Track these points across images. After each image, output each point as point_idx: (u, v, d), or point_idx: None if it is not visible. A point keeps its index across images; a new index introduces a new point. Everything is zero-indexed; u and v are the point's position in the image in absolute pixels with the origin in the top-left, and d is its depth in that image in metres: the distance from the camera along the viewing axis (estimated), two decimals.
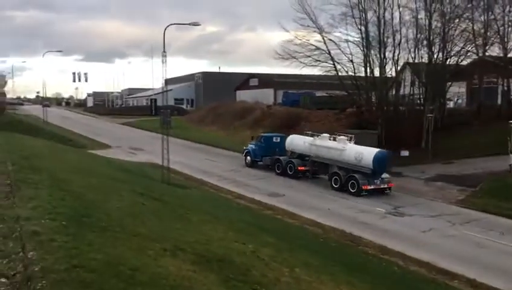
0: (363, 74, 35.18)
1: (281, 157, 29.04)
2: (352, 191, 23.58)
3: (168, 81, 30.80)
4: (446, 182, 26.00)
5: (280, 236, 13.32)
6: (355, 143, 25.10)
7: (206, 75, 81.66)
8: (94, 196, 10.23)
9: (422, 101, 36.11)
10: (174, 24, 25.89)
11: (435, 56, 34.95)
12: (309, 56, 35.44)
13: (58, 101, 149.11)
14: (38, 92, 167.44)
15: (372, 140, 30.74)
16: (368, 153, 23.79)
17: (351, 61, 34.97)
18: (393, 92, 37.03)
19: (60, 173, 12.96)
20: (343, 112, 39.06)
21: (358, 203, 21.83)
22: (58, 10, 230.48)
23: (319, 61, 35.48)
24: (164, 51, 23.97)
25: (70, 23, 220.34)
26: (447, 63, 35.54)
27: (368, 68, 34.80)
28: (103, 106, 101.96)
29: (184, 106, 78.89)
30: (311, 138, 27.24)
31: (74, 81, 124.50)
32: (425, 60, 35.24)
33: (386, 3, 34.22)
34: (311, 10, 35.07)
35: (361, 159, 23.82)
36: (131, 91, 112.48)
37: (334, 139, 25.98)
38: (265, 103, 49.93)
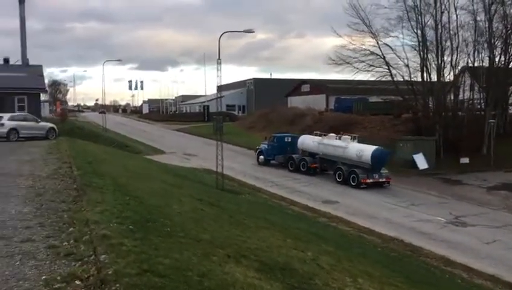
0: (419, 79, 34.15)
1: (294, 156, 31.16)
2: (353, 184, 26.12)
3: (220, 88, 31.21)
4: (510, 191, 24.69)
5: (337, 244, 13.04)
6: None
7: (257, 82, 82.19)
8: (156, 201, 10.40)
9: (482, 107, 34.56)
10: (229, 32, 26.09)
11: (497, 60, 33.42)
12: (363, 61, 34.87)
13: (115, 108, 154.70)
14: (97, 100, 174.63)
15: (429, 147, 29.87)
16: (367, 150, 26.22)
17: (407, 65, 34.08)
18: (452, 97, 35.68)
19: (121, 178, 13.30)
20: (398, 117, 38.04)
21: (416, 212, 21.11)
22: (115, 21, 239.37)
23: (373, 66, 34.85)
24: (219, 58, 24.33)
25: (126, 34, 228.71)
26: (510, 66, 33.89)
27: (425, 73, 33.78)
28: (158, 112, 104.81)
29: (235, 112, 79.68)
30: (320, 138, 29.90)
31: (130, 89, 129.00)
32: (485, 63, 33.76)
33: (443, 6, 33.13)
34: (365, 15, 34.51)
35: (361, 156, 26.26)
36: (184, 98, 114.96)
37: (340, 139, 28.58)
38: (317, 109, 49.48)
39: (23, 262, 5.44)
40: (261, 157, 33.39)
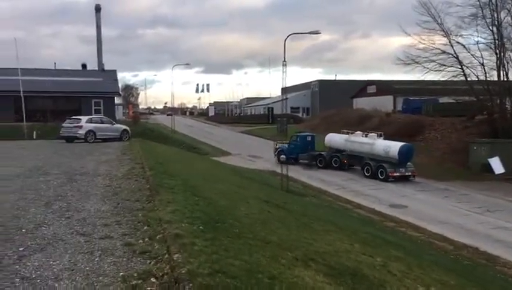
0: (495, 78, 32.22)
1: (323, 153, 32.91)
2: (381, 177, 28.21)
3: (284, 90, 31.24)
4: None
5: (407, 250, 12.56)
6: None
7: (322, 84, 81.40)
8: (224, 202, 10.54)
9: None
10: (295, 34, 26.05)
11: None
12: (433, 61, 33.47)
13: (182, 111, 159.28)
14: (165, 103, 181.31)
15: (506, 150, 28.16)
16: (395, 146, 28.30)
17: (482, 64, 32.26)
18: None
19: (191, 179, 13.63)
20: (472, 119, 36.12)
21: (492, 219, 19.91)
22: (183, 27, 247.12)
23: (445, 65, 33.35)
24: (284, 60, 24.41)
25: (193, 39, 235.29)
26: None
27: (502, 72, 31.80)
28: (223, 114, 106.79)
29: (300, 114, 79.34)
30: (347, 135, 31.89)
31: (197, 91, 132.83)
32: None
33: None
34: (436, 12, 33.11)
35: (388, 151, 28.25)
36: (248, 100, 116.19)
37: (366, 136, 30.53)
38: (383, 111, 48.19)
39: (102, 258, 5.69)
40: (282, 156, 33.01)
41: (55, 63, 58.02)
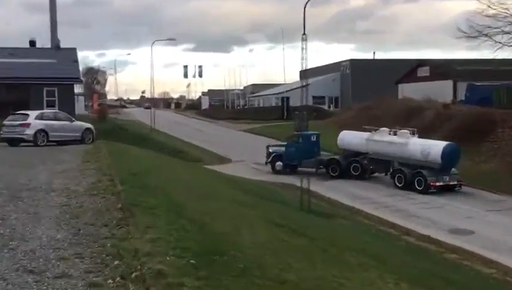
0: None
1: (336, 157, 34.09)
2: (419, 188, 29.10)
3: (304, 74, 31.27)
4: None
5: None
6: None
7: (355, 64, 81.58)
8: (221, 227, 10.54)
9: None
10: None
11: None
12: (508, 32, 33.35)
13: (166, 103, 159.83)
14: (143, 92, 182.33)
15: None
16: (436, 147, 29.39)
17: None
18: None
19: (176, 194, 13.63)
20: None
21: None
22: None
23: None
24: (304, 33, 24.44)
25: (179, 5, 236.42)
26: None
27: None
28: (221, 107, 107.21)
29: (325, 106, 79.51)
30: (368, 133, 33.21)
31: (186, 76, 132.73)
32: None
33: None
34: None
35: (428, 154, 29.31)
36: (255, 88, 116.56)
37: (395, 134, 31.89)
38: (440, 101, 48.11)
39: None
40: (279, 163, 35.14)
41: None
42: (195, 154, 42.02)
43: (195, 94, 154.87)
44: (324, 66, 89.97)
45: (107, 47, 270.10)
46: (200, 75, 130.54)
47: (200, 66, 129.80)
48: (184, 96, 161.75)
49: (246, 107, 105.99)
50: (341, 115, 61.71)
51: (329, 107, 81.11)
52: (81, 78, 54.34)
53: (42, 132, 27.80)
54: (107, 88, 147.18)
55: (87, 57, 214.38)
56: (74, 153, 22.86)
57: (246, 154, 42.74)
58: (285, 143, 36.95)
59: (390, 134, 32.34)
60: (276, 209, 19.25)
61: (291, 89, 78.30)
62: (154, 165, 22.03)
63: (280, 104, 77.70)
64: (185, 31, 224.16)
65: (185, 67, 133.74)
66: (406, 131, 31.79)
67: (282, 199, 24.76)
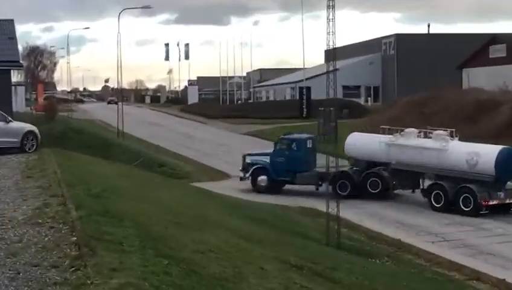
0: None
1: (347, 170, 34.31)
2: (466, 209, 29.55)
3: (332, 54, 31.17)
4: None
5: None
6: None
7: (402, 41, 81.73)
8: (217, 268, 10.53)
9: None
10: None
11: None
12: None
13: (138, 95, 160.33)
14: (107, 81, 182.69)
15: None
16: (488, 153, 30.06)
17: None
18: None
19: (154, 223, 13.64)
20: None
21: None
22: None
23: None
24: None
25: None
26: None
27: None
28: (215, 101, 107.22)
29: (361, 100, 79.45)
30: (390, 136, 33.84)
31: (167, 59, 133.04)
32: None
33: None
34: None
35: (476, 163, 29.91)
36: (263, 74, 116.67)
37: (427, 136, 32.83)
38: None
39: None
40: (262, 178, 35.39)
41: None
42: (182, 168, 41.92)
43: (179, 83, 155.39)
44: (359, 43, 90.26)
45: (56, 18, 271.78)
46: (186, 57, 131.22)
47: (186, 45, 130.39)
48: (164, 87, 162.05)
49: (250, 101, 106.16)
50: (382, 112, 61.63)
51: (366, 101, 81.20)
52: (21, 62, 54.55)
53: None
54: (56, 76, 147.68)
55: (29, 33, 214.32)
56: (11, 166, 22.89)
57: None
58: (271, 151, 37.04)
59: (419, 137, 33.13)
60: (294, 244, 19.22)
61: (313, 76, 78.34)
62: (123, 183, 22.08)
63: (298, 96, 77.68)
64: None
65: (166, 46, 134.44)
66: (443, 132, 32.39)
67: (302, 229, 24.67)
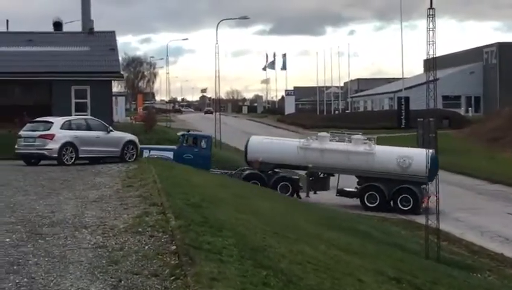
0: None
1: (255, 172, 35.16)
2: (405, 209, 32.88)
3: (432, 64, 30.87)
4: None
5: None
6: None
7: (505, 51, 79.76)
8: (316, 280, 10.51)
9: None
10: None
11: None
12: None
13: (235, 105, 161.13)
14: (204, 91, 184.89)
15: None
16: (418, 155, 31.79)
17: None
18: None
19: (252, 233, 13.70)
20: None
21: None
22: None
23: None
24: (431, 6, 24.12)
25: None
26: None
27: None
28: (312, 112, 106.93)
29: (461, 110, 78.04)
30: (303, 140, 36.65)
31: (265, 69, 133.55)
32: None
33: None
34: None
35: (409, 165, 33.09)
36: (361, 84, 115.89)
37: (345, 140, 35.61)
38: None
39: None
40: None
41: (7, 21, 60.64)
42: None
43: (276, 93, 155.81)
44: (458, 53, 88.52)
45: (154, 30, 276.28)
46: (284, 67, 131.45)
47: (283, 55, 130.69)
48: (261, 97, 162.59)
49: (347, 111, 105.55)
50: (485, 123, 60.44)
51: (466, 111, 79.64)
52: (121, 72, 55.69)
53: (70, 146, 28.51)
54: (155, 86, 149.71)
55: (129, 44, 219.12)
56: (112, 175, 23.45)
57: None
58: (173, 147, 37.52)
59: (334, 140, 35.97)
60: (392, 256, 19.02)
61: (412, 86, 77.43)
62: (221, 193, 22.25)
63: (396, 107, 76.82)
64: (258, 6, 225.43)
65: (263, 56, 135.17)
66: (359, 136, 36.15)
67: (400, 241, 24.43)
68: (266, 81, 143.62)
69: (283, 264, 10.81)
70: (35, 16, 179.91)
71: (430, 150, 32.37)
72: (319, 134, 36.81)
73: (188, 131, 41.67)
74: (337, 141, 35.85)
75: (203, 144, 37.58)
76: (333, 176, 35.99)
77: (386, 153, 34.76)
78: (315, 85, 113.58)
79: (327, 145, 35.11)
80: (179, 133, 39.71)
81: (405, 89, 77.39)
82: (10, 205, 15.90)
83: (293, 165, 36.24)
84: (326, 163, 35.01)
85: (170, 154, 36.49)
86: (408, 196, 33.05)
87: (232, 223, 14.12)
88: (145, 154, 35.86)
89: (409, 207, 32.83)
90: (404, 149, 35.67)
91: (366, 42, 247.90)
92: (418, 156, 32.39)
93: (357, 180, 35.49)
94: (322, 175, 36.09)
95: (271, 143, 37.40)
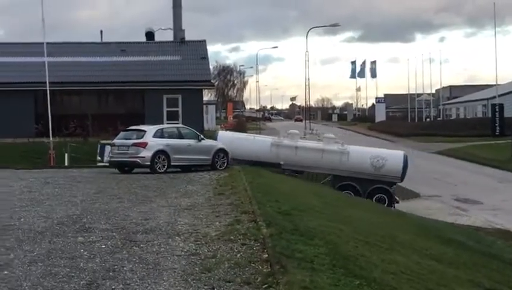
0: None
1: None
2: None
3: None
4: None
5: None
6: None
7: None
8: None
9: None
10: None
11: None
12: None
13: (325, 113, 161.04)
14: (293, 99, 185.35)
15: None
16: (394, 157, 35.22)
17: None
18: None
19: (343, 242, 13.65)
20: None
21: None
22: None
23: None
24: None
25: None
26: None
27: None
28: (402, 119, 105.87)
29: None
30: (274, 138, 37.34)
31: (353, 76, 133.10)
32: None
33: None
34: None
35: (382, 165, 34.03)
36: (453, 91, 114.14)
37: (319, 140, 36.50)
38: None
39: None
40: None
41: (101, 32, 62.04)
42: None
43: (366, 101, 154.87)
44: None
45: (242, 39, 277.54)
46: (373, 75, 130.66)
47: (373, 63, 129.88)
48: (351, 105, 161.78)
49: (439, 118, 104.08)
50: None
51: None
52: (212, 81, 56.34)
53: (162, 154, 28.97)
54: (245, 94, 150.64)
55: (218, 53, 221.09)
56: (203, 183, 23.74)
57: (441, 186, 41.91)
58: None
59: (303, 138, 37.01)
60: (487, 266, 18.61)
61: (506, 93, 75.81)
62: (311, 200, 22.22)
63: (490, 114, 75.35)
64: (346, 14, 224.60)
65: (352, 64, 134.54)
66: (331, 136, 37.60)
67: (496, 251, 23.87)
68: (358, 89, 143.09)
69: (376, 274, 10.74)
70: (128, 26, 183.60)
71: (402, 152, 37.22)
72: (289, 131, 37.71)
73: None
74: (307, 139, 36.96)
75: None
76: (302, 173, 36.65)
77: (360, 152, 35.87)
78: (406, 92, 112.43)
79: (300, 143, 35.52)
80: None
81: (499, 95, 75.76)
82: (105, 212, 16.26)
83: (265, 162, 35.43)
84: (299, 160, 35.25)
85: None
86: (383, 195, 34.01)
87: (323, 232, 14.10)
88: (107, 149, 35.61)
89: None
90: (377, 149, 38.09)
91: (457, 48, 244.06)
92: (391, 157, 35.19)
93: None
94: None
95: (241, 139, 37.51)
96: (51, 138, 35.85)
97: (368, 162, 34.33)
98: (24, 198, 19.71)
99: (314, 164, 34.91)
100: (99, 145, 36.42)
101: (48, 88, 35.41)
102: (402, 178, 34.72)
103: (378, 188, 34.08)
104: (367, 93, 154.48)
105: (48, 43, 37.32)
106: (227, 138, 35.80)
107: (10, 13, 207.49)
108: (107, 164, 34.33)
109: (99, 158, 36.17)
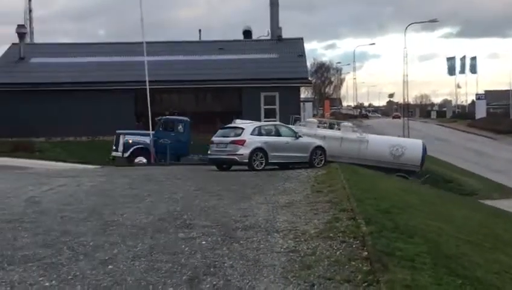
0: None
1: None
2: None
3: None
4: None
5: None
6: None
7: None
8: None
9: None
10: None
11: None
12: None
13: (424, 110, 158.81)
14: (391, 96, 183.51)
15: None
16: (413, 145, 36.39)
17: None
18: None
19: (445, 241, 13.46)
20: None
21: None
22: None
23: None
24: None
25: None
26: None
27: None
28: (504, 116, 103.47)
29: None
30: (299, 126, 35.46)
31: (451, 73, 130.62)
32: None
33: None
34: None
35: (401, 154, 34.92)
36: None
37: (331, 127, 37.22)
38: None
39: None
40: (141, 158, 36.14)
41: (199, 31, 62.76)
42: (469, 184, 41.27)
43: (466, 98, 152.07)
44: None
45: (337, 36, 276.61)
46: (473, 71, 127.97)
47: (473, 58, 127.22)
48: (450, 101, 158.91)
49: None
50: None
51: None
52: (309, 78, 56.35)
53: (260, 151, 29.18)
54: (342, 91, 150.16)
55: (315, 50, 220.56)
56: (301, 180, 23.77)
57: None
58: (150, 132, 36.90)
59: (322, 126, 36.94)
60: None
61: None
62: (410, 199, 22.00)
63: None
64: (443, 9, 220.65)
65: (450, 60, 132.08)
66: (348, 124, 38.24)
67: None
68: (458, 86, 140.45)
69: (479, 273, 10.56)
70: (225, 24, 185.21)
71: (421, 140, 38.00)
72: (307, 120, 38.94)
73: (166, 115, 40.98)
74: (324, 128, 36.92)
75: (180, 128, 37.75)
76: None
77: (379, 141, 36.84)
78: (508, 88, 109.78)
79: (319, 132, 35.40)
80: (157, 118, 39.30)
81: None
82: (205, 209, 16.48)
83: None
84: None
85: (147, 139, 36.92)
86: None
87: (423, 230, 13.94)
88: (121, 139, 36.99)
89: None
90: (396, 138, 39.82)
91: None
92: (410, 145, 36.54)
93: None
94: None
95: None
96: (152, 136, 36.58)
97: (387, 150, 35.05)
98: (126, 194, 20.20)
99: (333, 152, 33.93)
100: (114, 136, 38.10)
101: (147, 87, 36.24)
102: (421, 166, 35.70)
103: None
104: (467, 90, 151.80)
105: (147, 43, 38.14)
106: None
107: (111, 14, 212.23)
108: (120, 155, 36.76)
109: (114, 148, 37.63)
